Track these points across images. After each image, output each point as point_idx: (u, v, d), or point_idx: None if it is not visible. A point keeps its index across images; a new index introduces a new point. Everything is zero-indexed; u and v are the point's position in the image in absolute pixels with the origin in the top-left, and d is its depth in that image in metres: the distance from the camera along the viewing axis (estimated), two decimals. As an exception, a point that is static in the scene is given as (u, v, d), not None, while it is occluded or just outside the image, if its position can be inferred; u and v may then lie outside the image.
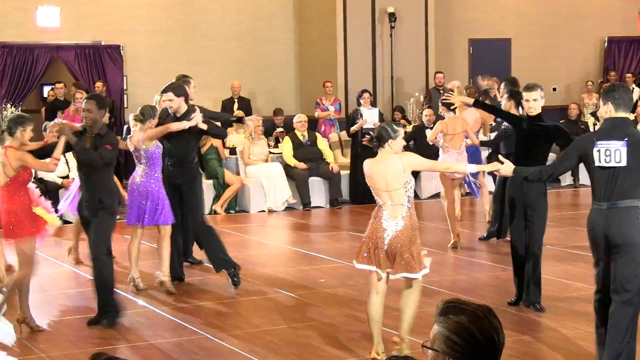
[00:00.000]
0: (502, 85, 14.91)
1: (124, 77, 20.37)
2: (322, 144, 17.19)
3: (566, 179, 18.63)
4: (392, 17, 20.44)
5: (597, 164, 6.88)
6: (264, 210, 16.29)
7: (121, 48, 20.24)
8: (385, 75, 20.66)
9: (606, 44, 23.85)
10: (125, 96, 20.45)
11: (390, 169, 7.57)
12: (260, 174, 16.41)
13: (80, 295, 10.59)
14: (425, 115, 17.39)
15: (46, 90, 19.95)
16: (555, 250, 12.38)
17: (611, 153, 6.79)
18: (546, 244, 12.73)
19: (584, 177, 18.56)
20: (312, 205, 16.58)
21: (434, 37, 21.17)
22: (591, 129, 19.27)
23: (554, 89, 23.22)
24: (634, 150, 6.74)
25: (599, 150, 6.85)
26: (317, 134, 17.52)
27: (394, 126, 7.73)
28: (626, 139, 6.76)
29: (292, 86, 21.72)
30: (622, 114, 6.93)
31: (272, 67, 21.50)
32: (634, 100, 16.45)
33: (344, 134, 18.09)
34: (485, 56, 22.61)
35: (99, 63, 20.08)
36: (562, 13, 23.39)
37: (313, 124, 18.41)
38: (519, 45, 23.01)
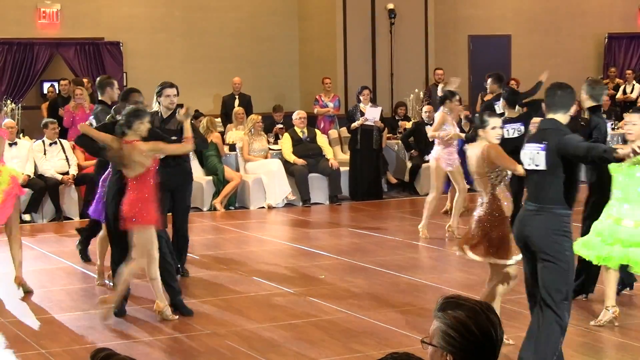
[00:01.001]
0: (489, 82, 14.99)
1: (124, 74, 20.37)
2: (321, 140, 17.19)
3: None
4: (391, 13, 20.44)
5: (525, 166, 6.93)
6: (263, 207, 16.29)
7: (121, 45, 20.26)
8: (384, 72, 20.66)
9: (606, 40, 23.85)
10: (125, 93, 20.43)
11: (473, 157, 7.78)
12: (260, 170, 16.41)
13: (80, 291, 10.60)
14: (425, 112, 17.38)
15: (46, 86, 19.95)
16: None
17: (533, 156, 6.80)
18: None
19: (582, 173, 18.57)
20: (311, 201, 16.58)
21: (433, 34, 21.17)
22: (591, 126, 19.27)
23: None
24: (551, 155, 6.69)
25: (526, 153, 6.89)
26: (316, 130, 17.51)
27: (485, 116, 7.79)
28: (546, 143, 6.71)
29: (293, 83, 21.73)
30: (552, 115, 6.89)
31: (273, 63, 21.51)
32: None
33: (343, 130, 18.09)
34: (485, 53, 22.62)
35: (98, 59, 20.10)
36: (562, 9, 23.39)
37: (312, 121, 18.41)
38: (519, 42, 23.01)
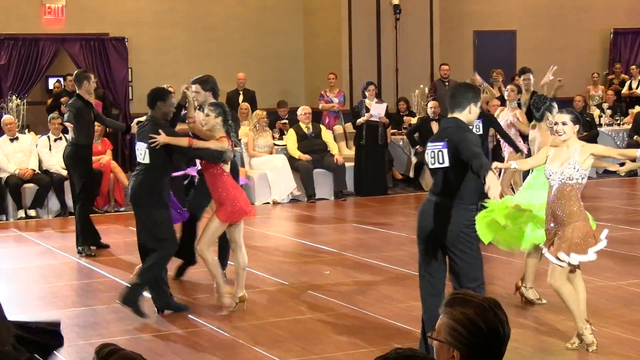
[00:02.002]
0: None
1: (129, 69, 20.37)
2: (326, 135, 17.18)
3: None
4: (397, 9, 20.41)
5: (429, 166, 6.98)
6: (268, 202, 16.29)
7: (126, 40, 20.25)
8: (389, 67, 20.64)
9: (612, 35, 23.80)
10: (130, 88, 20.46)
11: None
12: (265, 166, 16.40)
13: (85, 286, 10.60)
14: (430, 107, 17.37)
15: (51, 82, 19.95)
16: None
17: (436, 155, 6.86)
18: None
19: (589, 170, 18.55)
20: (316, 197, 16.58)
21: (438, 29, 21.14)
22: (596, 121, 19.26)
23: (559, 81, 23.16)
24: (452, 152, 6.76)
25: (428, 153, 6.94)
26: (321, 126, 17.50)
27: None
28: (447, 140, 6.80)
29: (298, 78, 21.71)
30: (452, 114, 6.99)
31: (278, 58, 21.49)
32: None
33: (348, 125, 18.08)
34: (491, 48, 22.58)
35: (103, 55, 20.10)
36: (567, 4, 23.35)
37: (317, 116, 18.40)
38: (524, 37, 22.98)
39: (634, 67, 22.48)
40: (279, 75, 21.58)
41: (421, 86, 19.75)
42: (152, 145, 8.72)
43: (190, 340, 8.37)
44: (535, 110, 9.45)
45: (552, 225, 7.63)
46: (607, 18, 23.71)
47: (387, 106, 17.25)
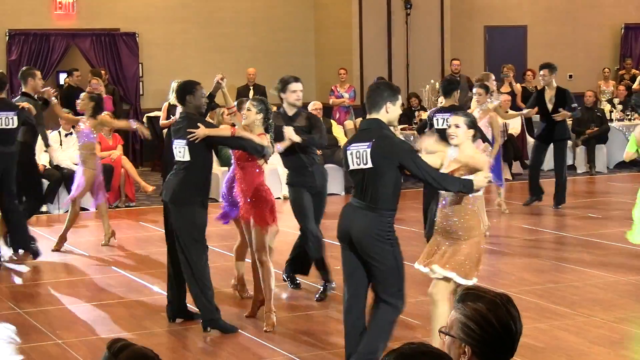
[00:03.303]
0: (544, 72, 14.64)
1: (140, 64, 20.40)
2: (337, 131, 17.17)
3: (582, 166, 18.57)
4: (407, 4, 20.39)
5: (351, 167, 6.81)
6: (279, 198, 16.29)
7: (137, 35, 20.27)
8: (400, 62, 20.62)
9: (622, 30, 23.73)
10: (140, 83, 20.49)
11: None
12: (275, 161, 16.39)
13: (95, 281, 10.62)
14: (441, 102, 17.33)
15: (62, 77, 19.99)
16: (569, 238, 12.36)
17: (360, 155, 6.70)
18: (561, 231, 12.73)
19: (600, 165, 18.52)
20: (327, 192, 16.54)
21: (449, 24, 21.11)
22: (607, 116, 19.22)
23: (570, 76, 23.12)
24: (377, 153, 6.64)
25: (351, 153, 6.77)
26: (332, 121, 17.49)
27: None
28: (372, 141, 6.66)
29: (309, 73, 21.69)
30: (371, 114, 6.84)
31: (288, 54, 21.49)
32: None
33: (359, 121, 18.06)
34: (501, 43, 22.54)
35: (114, 50, 20.12)
36: (578, 0, 23.29)
37: (328, 111, 18.39)
38: (535, 32, 22.92)
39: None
40: (290, 70, 21.44)
41: (432, 81, 19.71)
42: (191, 140, 8.19)
43: (201, 335, 8.38)
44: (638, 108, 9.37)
45: (439, 238, 7.20)
46: (618, 13, 23.64)
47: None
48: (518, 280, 10.15)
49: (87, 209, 14.91)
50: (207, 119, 9.61)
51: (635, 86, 21.88)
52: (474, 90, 12.05)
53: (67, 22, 20.02)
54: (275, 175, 16.31)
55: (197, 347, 8.15)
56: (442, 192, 7.06)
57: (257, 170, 8.66)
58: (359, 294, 6.92)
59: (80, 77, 18.73)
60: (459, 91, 12.22)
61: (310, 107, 17.12)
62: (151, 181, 16.50)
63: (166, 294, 8.86)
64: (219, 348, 8.07)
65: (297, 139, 9.22)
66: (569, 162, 19.00)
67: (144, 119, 19.97)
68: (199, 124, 8.28)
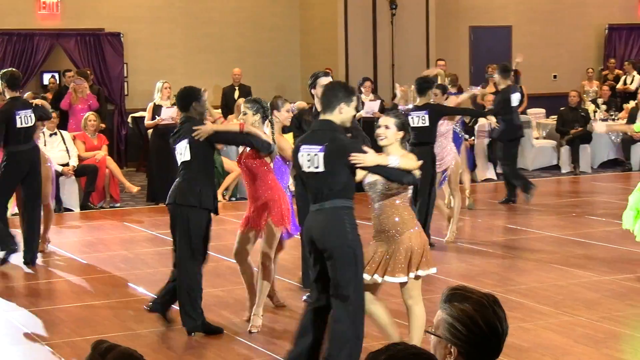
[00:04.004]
0: (495, 74, 15.02)
1: (125, 65, 20.35)
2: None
3: (566, 166, 18.62)
4: (392, 4, 20.41)
5: (304, 169, 6.74)
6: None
7: (122, 35, 20.22)
8: (385, 62, 20.63)
9: (607, 31, 23.81)
10: (125, 84, 20.44)
11: None
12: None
13: (80, 283, 10.59)
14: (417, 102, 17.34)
15: (46, 77, 19.92)
16: (554, 238, 12.39)
17: (312, 159, 6.64)
18: (545, 231, 12.77)
19: (584, 165, 18.58)
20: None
21: (434, 25, 21.14)
22: (592, 116, 19.28)
23: (555, 77, 23.20)
24: (330, 157, 6.58)
25: (302, 155, 6.71)
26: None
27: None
28: (325, 145, 6.60)
29: (294, 73, 21.69)
30: (324, 115, 6.77)
31: (274, 54, 21.48)
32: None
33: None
34: (486, 43, 22.58)
35: (99, 50, 20.07)
36: (563, 0, 23.36)
37: (313, 112, 18.39)
38: (520, 33, 22.97)
39: (627, 63, 22.48)
40: (275, 70, 21.57)
41: (435, 81, 19.73)
42: (196, 137, 8.01)
43: (185, 335, 8.36)
44: None
45: (377, 243, 7.08)
46: (602, 14, 23.71)
47: (382, 101, 17.23)
48: (503, 280, 10.18)
49: (72, 210, 14.88)
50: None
51: (619, 86, 21.97)
52: (432, 90, 12.10)
53: (51, 22, 19.95)
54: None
55: (182, 348, 8.14)
56: (372, 196, 7.02)
57: (266, 168, 8.46)
58: (324, 292, 6.87)
59: (73, 77, 18.66)
60: (434, 90, 12.26)
61: (295, 107, 17.17)
62: (136, 182, 16.47)
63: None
64: (203, 348, 8.06)
65: None
66: (554, 162, 19.07)
67: (129, 119, 19.96)
68: (206, 121, 8.25)
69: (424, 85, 11.91)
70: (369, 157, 6.59)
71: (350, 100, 6.74)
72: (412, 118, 11.36)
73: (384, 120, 7.06)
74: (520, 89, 19.20)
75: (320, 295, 6.88)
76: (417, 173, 6.90)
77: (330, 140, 6.64)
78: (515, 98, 14.84)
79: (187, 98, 8.33)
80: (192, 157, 8.11)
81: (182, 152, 8.16)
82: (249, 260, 8.72)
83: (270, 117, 8.70)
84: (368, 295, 7.01)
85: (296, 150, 6.81)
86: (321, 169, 6.62)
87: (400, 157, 6.73)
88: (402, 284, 7.05)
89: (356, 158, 6.53)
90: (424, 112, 11.61)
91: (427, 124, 11.47)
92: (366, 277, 6.94)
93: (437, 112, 11.67)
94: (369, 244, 7.09)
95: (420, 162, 6.94)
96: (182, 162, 8.19)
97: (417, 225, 7.06)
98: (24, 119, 11.08)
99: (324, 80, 9.27)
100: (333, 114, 6.72)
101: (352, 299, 6.72)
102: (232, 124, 8.57)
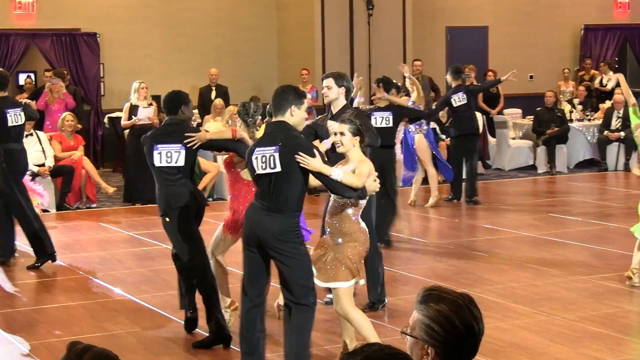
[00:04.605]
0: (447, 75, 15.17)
1: (101, 65, 20.27)
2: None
3: (542, 166, 18.69)
4: (369, 4, 20.43)
5: (258, 171, 6.74)
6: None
7: (98, 35, 20.14)
8: (362, 63, 20.65)
9: (582, 31, 23.91)
10: (102, 84, 20.37)
11: None
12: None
13: (57, 284, 10.55)
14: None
15: (22, 78, 19.81)
16: (530, 238, 12.43)
17: (267, 160, 6.66)
18: (522, 231, 12.82)
19: (560, 165, 18.66)
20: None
21: (411, 25, 21.18)
22: (567, 117, 19.37)
23: (531, 77, 23.28)
24: (285, 156, 6.60)
25: (256, 158, 6.72)
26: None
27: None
28: (279, 145, 6.63)
29: (271, 74, 21.67)
30: (277, 117, 6.81)
31: (251, 54, 21.46)
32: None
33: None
34: (463, 44, 22.63)
35: (75, 51, 19.98)
36: (539, 1, 23.44)
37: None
38: (496, 33, 23.04)
39: (603, 64, 22.59)
40: (252, 71, 21.55)
41: (394, 81, 19.75)
42: (190, 144, 7.92)
43: (162, 336, 8.35)
44: None
45: (324, 245, 7.19)
46: (578, 14, 23.81)
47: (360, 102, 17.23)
48: (480, 279, 10.21)
49: (49, 211, 14.81)
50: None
51: (594, 86, 22.07)
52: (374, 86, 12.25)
53: (27, 22, 19.85)
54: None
55: (158, 348, 8.11)
56: (334, 198, 7.05)
57: (246, 181, 8.33)
58: (261, 294, 6.94)
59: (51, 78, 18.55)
60: (397, 90, 12.34)
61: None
62: (112, 182, 16.42)
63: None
64: (181, 349, 8.04)
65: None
66: (530, 162, 19.15)
67: (106, 120, 19.89)
68: (202, 128, 8.28)
69: (387, 86, 11.97)
70: (314, 162, 6.56)
71: (300, 102, 6.81)
72: (375, 118, 11.34)
73: (339, 127, 7.11)
74: (497, 89, 19.33)
75: (257, 292, 6.97)
76: (375, 186, 6.93)
77: (284, 139, 6.67)
78: (456, 99, 14.95)
79: (177, 102, 8.24)
80: (186, 164, 8.03)
81: (172, 156, 7.98)
82: (219, 258, 8.68)
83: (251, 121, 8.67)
84: (346, 302, 7.07)
85: (250, 154, 6.81)
86: (278, 168, 6.63)
87: (345, 173, 6.68)
88: (340, 292, 7.07)
89: (303, 158, 6.54)
90: (388, 112, 11.61)
91: (390, 124, 11.50)
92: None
93: (400, 114, 11.73)
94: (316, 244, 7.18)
95: (370, 177, 6.91)
96: (174, 167, 8.00)
97: (363, 239, 7.08)
98: (15, 117, 11.01)
99: (324, 82, 9.03)
100: (285, 116, 6.79)
101: (305, 300, 6.79)
102: (224, 131, 8.54)
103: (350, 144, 7.06)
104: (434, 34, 22.58)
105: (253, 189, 7.62)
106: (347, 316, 7.12)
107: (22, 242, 11.95)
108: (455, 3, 22.77)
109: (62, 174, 15.02)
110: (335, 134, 7.12)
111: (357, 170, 6.88)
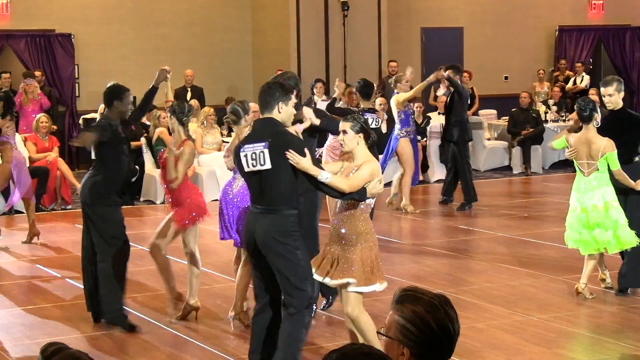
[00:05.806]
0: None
1: (76, 66, 20.19)
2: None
3: (517, 167, 18.76)
4: (345, 5, 20.44)
5: (246, 169, 6.72)
6: (216, 199, 16.22)
7: (72, 36, 20.06)
8: (338, 64, 20.66)
9: (557, 32, 24.02)
10: (76, 85, 20.28)
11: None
12: (213, 163, 16.34)
13: (31, 285, 10.49)
14: (380, 104, 17.39)
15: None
16: (505, 238, 12.47)
17: (257, 156, 6.62)
18: (497, 231, 12.85)
19: (536, 166, 18.73)
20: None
21: (386, 26, 21.21)
22: (542, 117, 19.45)
23: (506, 78, 23.37)
24: (275, 152, 6.58)
25: (246, 155, 6.68)
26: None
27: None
28: (269, 141, 6.60)
29: (246, 75, 21.66)
30: (265, 114, 6.78)
31: (226, 55, 21.43)
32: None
33: (297, 122, 18.05)
34: (438, 45, 22.68)
35: (49, 52, 19.89)
36: (513, 2, 23.53)
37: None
38: (471, 34, 23.11)
39: (578, 64, 22.70)
40: (227, 71, 21.51)
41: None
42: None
43: (138, 338, 8.32)
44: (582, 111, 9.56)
45: (333, 246, 6.99)
46: (553, 15, 23.92)
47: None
48: (455, 280, 10.23)
49: (22, 212, 14.71)
50: (144, 120, 9.64)
51: (568, 86, 22.17)
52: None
53: (0, 23, 19.74)
54: (213, 177, 16.25)
55: (133, 349, 8.09)
56: (338, 199, 6.95)
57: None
58: (273, 298, 6.86)
59: (10, 79, 18.42)
60: (376, 93, 12.41)
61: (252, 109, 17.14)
62: (87, 183, 16.31)
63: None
64: (156, 350, 8.02)
65: (316, 121, 8.67)
66: (505, 162, 19.22)
67: (80, 121, 19.80)
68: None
69: (365, 90, 12.04)
70: (303, 161, 6.52)
71: (288, 98, 6.78)
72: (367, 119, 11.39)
73: (342, 125, 6.98)
74: (472, 90, 19.37)
75: (269, 295, 6.89)
76: (378, 188, 6.81)
77: (274, 135, 6.63)
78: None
79: (111, 96, 8.66)
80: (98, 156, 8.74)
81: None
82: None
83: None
84: (356, 305, 6.95)
85: (237, 152, 6.77)
86: (267, 165, 6.59)
87: (332, 176, 6.61)
88: (352, 295, 6.94)
89: (292, 155, 6.51)
90: (373, 115, 11.70)
91: (378, 125, 11.56)
92: (316, 277, 6.94)
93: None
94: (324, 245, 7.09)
95: (374, 179, 6.81)
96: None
97: (373, 240, 6.96)
98: None
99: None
100: (272, 113, 6.74)
101: (301, 305, 6.71)
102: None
103: (353, 142, 6.91)
104: (409, 35, 22.63)
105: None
106: (357, 318, 6.97)
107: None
108: (430, 4, 22.83)
109: (36, 175, 14.91)
110: (339, 132, 7.01)
111: (357, 171, 6.80)
